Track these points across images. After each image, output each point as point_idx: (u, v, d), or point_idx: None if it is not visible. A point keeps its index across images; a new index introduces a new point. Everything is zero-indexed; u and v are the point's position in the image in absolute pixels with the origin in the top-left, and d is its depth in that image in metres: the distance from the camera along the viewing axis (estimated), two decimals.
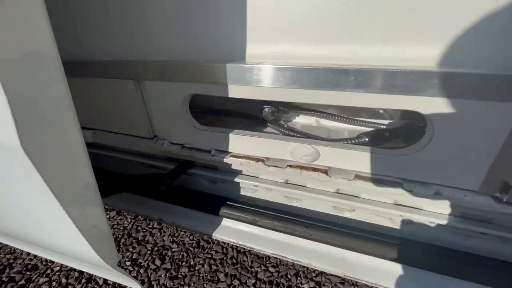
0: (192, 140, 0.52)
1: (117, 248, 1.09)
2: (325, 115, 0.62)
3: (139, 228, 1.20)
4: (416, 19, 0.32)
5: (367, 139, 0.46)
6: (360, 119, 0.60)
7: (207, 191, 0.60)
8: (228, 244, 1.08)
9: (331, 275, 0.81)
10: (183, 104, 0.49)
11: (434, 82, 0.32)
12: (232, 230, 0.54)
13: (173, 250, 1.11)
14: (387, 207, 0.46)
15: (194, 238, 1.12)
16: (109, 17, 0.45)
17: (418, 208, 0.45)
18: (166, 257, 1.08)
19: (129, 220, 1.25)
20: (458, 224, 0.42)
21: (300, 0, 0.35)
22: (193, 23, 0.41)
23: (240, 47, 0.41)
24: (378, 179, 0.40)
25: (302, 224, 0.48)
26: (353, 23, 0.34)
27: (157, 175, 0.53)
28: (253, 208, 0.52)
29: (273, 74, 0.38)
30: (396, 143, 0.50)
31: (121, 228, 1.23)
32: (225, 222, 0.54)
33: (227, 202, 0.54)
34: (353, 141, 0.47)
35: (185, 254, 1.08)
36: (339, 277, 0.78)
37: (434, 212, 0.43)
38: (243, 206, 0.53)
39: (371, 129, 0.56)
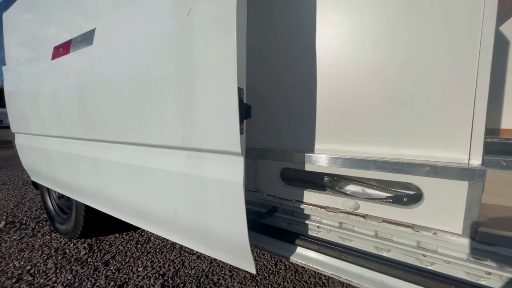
0: (281, 193, 0.89)
1: None
2: (368, 185, 0.92)
3: (214, 271, 1.52)
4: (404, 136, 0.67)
5: (391, 200, 0.75)
6: (392, 189, 0.88)
7: (286, 229, 0.92)
8: None
9: None
10: (278, 172, 0.89)
11: (418, 168, 0.63)
12: (303, 256, 0.82)
13: None
14: (412, 247, 0.69)
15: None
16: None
17: (434, 250, 0.67)
18: None
19: (206, 264, 1.61)
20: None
21: (341, 122, 0.75)
22: (287, 132, 0.85)
23: (311, 144, 0.82)
24: (396, 222, 0.67)
25: (351, 254, 0.74)
26: (374, 135, 0.71)
27: (258, 212, 0.90)
28: (318, 241, 0.82)
29: (328, 159, 0.76)
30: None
31: (200, 270, 1.57)
32: (299, 249, 0.84)
33: (300, 236, 0.85)
34: (380, 200, 0.76)
35: None
36: None
37: (446, 253, 0.65)
38: (311, 239, 0.83)
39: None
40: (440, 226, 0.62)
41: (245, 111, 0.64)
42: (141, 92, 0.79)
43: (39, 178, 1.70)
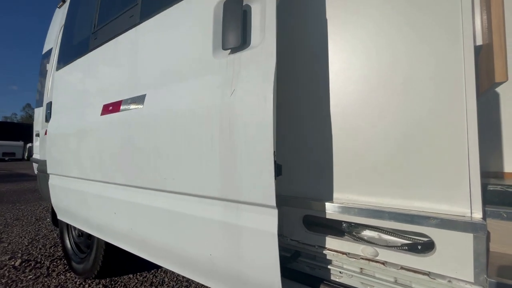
0: (304, 238, 0.98)
1: None
2: (385, 231, 1.00)
3: None
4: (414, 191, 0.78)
5: (406, 248, 0.83)
6: (408, 235, 0.96)
7: (309, 273, 0.99)
8: None
9: None
10: (301, 218, 0.99)
11: (427, 220, 0.73)
12: None
13: None
14: None
15: None
16: None
17: None
18: None
19: None
20: None
21: (354, 175, 0.87)
22: (308, 181, 0.97)
23: (329, 195, 0.93)
24: (414, 269, 0.75)
25: None
26: (386, 189, 0.83)
27: (283, 257, 0.97)
28: (341, 287, 0.88)
29: (344, 209, 0.86)
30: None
31: None
32: None
33: (324, 281, 0.91)
34: (397, 248, 0.84)
35: None
36: None
37: None
38: (334, 284, 0.89)
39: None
40: (453, 274, 0.70)
41: (277, 170, 0.78)
42: (188, 152, 0.94)
43: (68, 217, 1.80)
